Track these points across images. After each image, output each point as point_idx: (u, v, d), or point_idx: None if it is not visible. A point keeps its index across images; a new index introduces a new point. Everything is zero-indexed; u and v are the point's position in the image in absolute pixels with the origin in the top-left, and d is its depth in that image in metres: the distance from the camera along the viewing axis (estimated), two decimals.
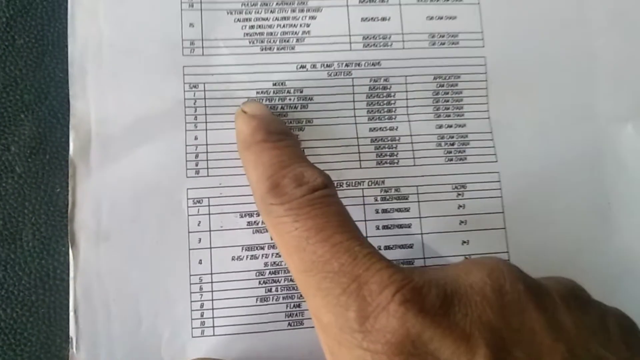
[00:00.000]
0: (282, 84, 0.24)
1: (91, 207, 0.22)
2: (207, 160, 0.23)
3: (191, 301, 0.22)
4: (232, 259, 0.22)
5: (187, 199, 0.22)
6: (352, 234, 0.17)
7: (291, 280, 0.22)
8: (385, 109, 0.24)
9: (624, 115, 0.25)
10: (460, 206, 0.24)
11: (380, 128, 0.24)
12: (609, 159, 0.25)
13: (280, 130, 0.21)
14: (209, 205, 0.23)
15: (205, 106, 0.23)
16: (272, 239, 0.22)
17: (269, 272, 0.22)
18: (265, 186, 0.19)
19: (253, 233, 0.23)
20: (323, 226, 0.17)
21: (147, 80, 0.23)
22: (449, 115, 0.24)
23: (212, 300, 0.22)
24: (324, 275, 0.16)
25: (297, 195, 0.18)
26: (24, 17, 0.24)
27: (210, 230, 0.22)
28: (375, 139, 0.24)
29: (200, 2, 0.24)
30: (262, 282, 0.22)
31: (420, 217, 0.23)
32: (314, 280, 0.16)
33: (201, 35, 0.24)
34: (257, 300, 0.22)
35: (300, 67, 0.24)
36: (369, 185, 0.23)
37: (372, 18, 0.24)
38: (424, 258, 0.23)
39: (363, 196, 0.23)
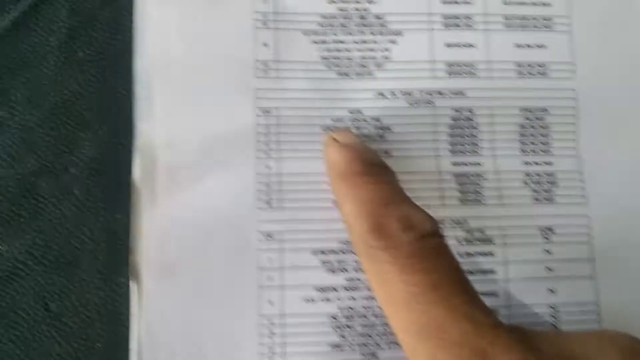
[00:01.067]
0: (358, 112, 0.22)
1: (156, 239, 0.21)
2: (279, 191, 0.21)
3: (259, 344, 0.20)
4: (304, 301, 0.21)
5: (258, 233, 0.21)
6: (470, 296, 0.16)
7: (367, 326, 0.21)
8: (469, 142, 0.23)
9: None
10: (547, 251, 0.22)
11: (463, 163, 0.22)
12: None
13: (379, 162, 0.20)
14: (280, 240, 0.21)
15: (278, 133, 0.22)
16: (370, 288, 0.20)
17: (344, 317, 0.21)
18: (366, 225, 0.17)
19: (327, 272, 0.21)
20: (437, 283, 0.16)
21: (217, 102, 0.22)
22: (536, 152, 0.23)
23: (282, 344, 0.20)
24: (438, 343, 0.15)
25: (405, 241, 0.17)
26: (86, 28, 0.23)
27: (281, 268, 0.21)
28: (459, 175, 0.22)
29: (275, 21, 0.22)
30: (335, 328, 0.21)
31: (505, 262, 0.22)
32: (426, 347, 0.15)
33: (275, 57, 0.22)
34: (330, 347, 0.21)
35: (378, 95, 0.22)
36: (451, 225, 0.22)
37: (456, 44, 0.23)
38: (509, 306, 0.22)
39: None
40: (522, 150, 0.23)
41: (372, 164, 0.19)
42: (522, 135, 0.23)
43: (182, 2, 0.22)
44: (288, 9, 0.23)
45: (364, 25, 0.23)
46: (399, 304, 0.16)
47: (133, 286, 0.21)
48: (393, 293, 0.16)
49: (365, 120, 0.22)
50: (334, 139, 0.20)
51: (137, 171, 0.21)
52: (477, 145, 0.23)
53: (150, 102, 0.22)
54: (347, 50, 0.23)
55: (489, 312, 0.15)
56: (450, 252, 0.17)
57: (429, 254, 0.17)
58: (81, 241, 0.22)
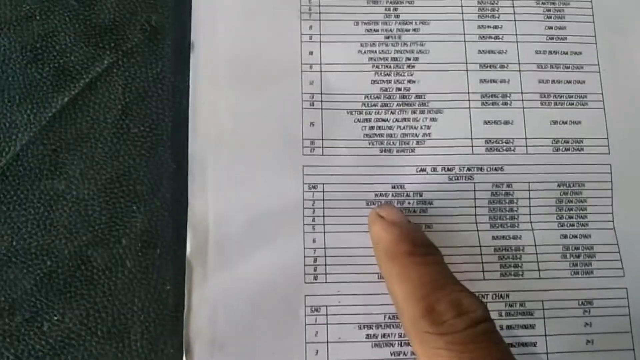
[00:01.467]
0: (401, 186, 0.23)
1: (207, 313, 0.22)
2: (325, 265, 0.22)
3: None
4: None
5: (305, 306, 0.22)
6: None
7: None
8: (508, 216, 0.23)
9: None
10: (587, 324, 0.23)
11: (503, 236, 0.23)
12: None
13: (427, 243, 0.20)
14: (326, 315, 0.22)
15: (324, 207, 0.23)
16: None
17: None
18: (418, 309, 0.18)
19: (372, 347, 0.22)
20: None
21: (266, 178, 0.23)
22: (573, 225, 0.24)
23: None
24: None
25: (459, 327, 0.17)
26: (140, 105, 0.25)
27: (327, 342, 0.22)
28: (499, 249, 0.23)
29: (322, 102, 0.24)
30: None
31: (545, 335, 0.22)
32: None
33: (321, 135, 0.23)
34: None
35: (420, 170, 0.23)
36: (492, 299, 0.22)
37: (494, 121, 0.24)
38: None
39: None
40: (560, 224, 0.24)
41: (420, 244, 0.20)
42: (559, 209, 0.24)
43: (234, 82, 0.24)
44: (333, 89, 0.24)
45: (406, 105, 0.24)
46: None
47: (185, 358, 0.21)
48: None
49: (407, 195, 0.23)
50: (380, 215, 0.21)
51: (190, 246, 0.22)
52: (515, 219, 0.23)
53: (203, 179, 0.23)
54: (389, 127, 0.24)
55: None
56: (501, 337, 0.18)
57: (483, 340, 0.17)
58: (132, 312, 0.22)
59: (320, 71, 0.24)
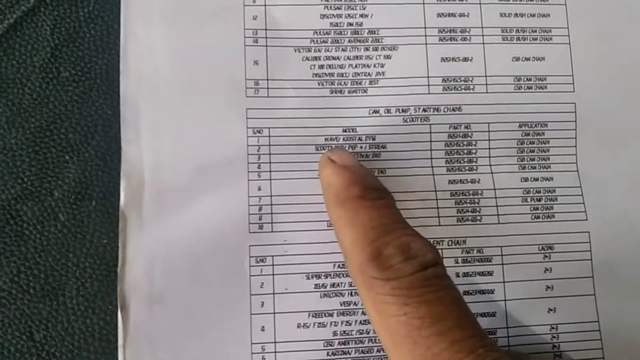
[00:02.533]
0: (353, 130, 0.22)
1: (144, 265, 0.20)
2: (271, 214, 0.21)
3: None
4: (298, 326, 0.21)
5: (250, 257, 0.21)
6: (474, 330, 0.15)
7: (362, 352, 0.21)
8: (466, 159, 0.22)
9: None
10: (547, 269, 0.22)
11: (460, 180, 0.22)
12: None
13: (378, 186, 0.19)
14: (272, 265, 0.21)
15: (270, 153, 0.21)
16: (367, 316, 0.20)
17: (338, 342, 0.21)
18: (365, 254, 0.17)
19: (321, 297, 0.21)
20: (440, 316, 0.15)
21: (207, 123, 0.21)
22: (535, 167, 0.23)
23: None
24: None
25: (406, 272, 0.16)
26: (70, 47, 0.23)
27: (274, 293, 0.21)
28: (456, 193, 0.22)
29: (266, 38, 0.22)
30: (330, 354, 0.21)
31: (504, 282, 0.22)
32: None
33: (266, 75, 0.22)
34: None
35: (373, 112, 0.22)
36: (448, 245, 0.22)
37: (452, 58, 0.23)
38: (507, 327, 0.21)
39: (442, 258, 0.21)
40: (521, 167, 0.22)
41: (371, 188, 0.19)
42: (521, 151, 0.23)
43: (169, 19, 0.22)
44: (279, 25, 0.22)
45: (358, 41, 0.22)
46: (400, 336, 0.16)
47: (120, 315, 0.20)
48: (393, 325, 0.16)
49: (360, 139, 0.22)
50: (331, 160, 0.20)
51: (124, 196, 0.21)
52: (474, 162, 0.22)
53: (137, 125, 0.21)
54: (341, 66, 0.22)
55: (492, 347, 0.15)
56: (451, 282, 0.17)
57: (432, 285, 0.16)
58: (67, 268, 0.21)
59: (265, 5, 0.22)
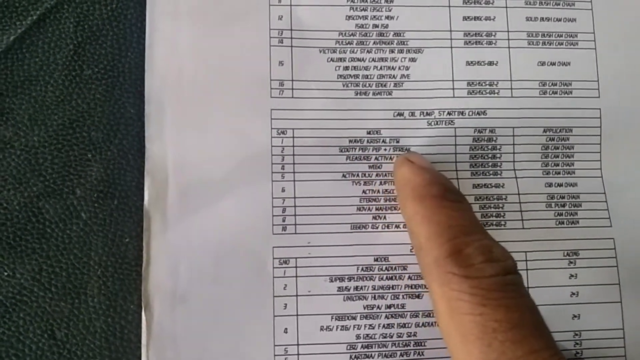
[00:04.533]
0: (377, 132, 0.22)
1: (167, 265, 0.21)
2: (294, 215, 0.21)
3: None
4: (321, 329, 0.21)
5: (273, 259, 0.21)
6: (549, 341, 0.16)
7: (386, 356, 0.21)
8: (490, 164, 0.22)
9: None
10: (572, 276, 0.22)
11: (484, 185, 0.22)
12: None
13: (457, 191, 0.20)
14: (296, 267, 0.21)
15: (294, 154, 0.22)
16: (432, 312, 0.18)
17: (361, 346, 0.21)
18: (444, 249, 0.17)
19: (344, 300, 0.21)
20: (517, 322, 0.16)
21: (231, 123, 0.22)
22: (559, 173, 0.23)
23: None
24: None
25: (488, 273, 0.16)
26: (94, 44, 0.23)
27: (297, 295, 0.21)
28: (480, 197, 0.22)
29: (291, 39, 0.22)
30: (353, 357, 0.21)
31: (528, 287, 0.21)
32: None
33: (291, 75, 0.22)
34: None
35: (397, 115, 0.22)
36: None
37: (478, 62, 0.23)
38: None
39: None
40: (545, 172, 0.23)
41: (451, 190, 0.19)
42: (545, 156, 0.23)
43: (195, 17, 0.22)
44: (304, 25, 0.22)
45: (383, 43, 0.23)
46: (472, 336, 0.16)
47: (143, 314, 0.20)
48: (466, 324, 0.16)
49: (384, 141, 0.22)
50: (409, 160, 0.20)
51: (147, 195, 0.21)
52: (498, 166, 0.22)
53: (161, 123, 0.21)
54: (365, 68, 0.22)
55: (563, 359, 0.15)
56: (528, 292, 0.17)
57: (511, 290, 0.16)
58: (88, 267, 0.21)
59: (290, 5, 0.22)
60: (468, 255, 0.17)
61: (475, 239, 0.17)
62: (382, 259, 0.21)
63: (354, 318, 0.21)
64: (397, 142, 0.22)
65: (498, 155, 0.22)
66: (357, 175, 0.22)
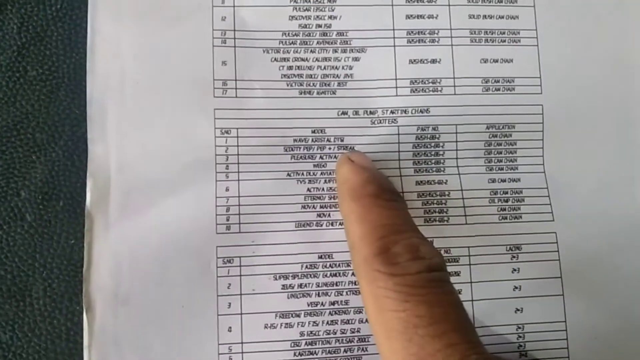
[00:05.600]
0: (321, 131, 0.22)
1: (109, 266, 0.20)
2: (239, 214, 0.21)
3: None
4: (265, 327, 0.21)
5: (217, 258, 0.21)
6: (469, 336, 0.16)
7: (329, 352, 0.21)
8: (434, 161, 0.23)
9: None
10: (515, 270, 0.22)
11: (428, 181, 0.22)
12: None
13: (393, 189, 0.20)
14: (240, 266, 0.21)
15: (238, 154, 0.21)
16: (364, 308, 0.18)
17: (305, 343, 0.21)
18: (373, 248, 0.17)
19: (288, 298, 0.21)
20: (438, 317, 0.16)
21: (174, 123, 0.21)
22: (502, 169, 0.23)
23: None
24: None
25: (412, 270, 0.17)
26: (37, 45, 0.23)
27: (241, 294, 0.21)
28: (423, 194, 0.22)
29: (234, 39, 0.22)
30: (297, 354, 0.21)
31: (471, 282, 0.22)
32: None
33: (234, 75, 0.22)
34: None
35: (341, 114, 0.22)
36: None
37: (421, 60, 0.23)
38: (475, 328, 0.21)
39: None
40: (488, 168, 0.23)
41: (386, 189, 0.19)
42: (488, 152, 0.23)
43: (138, 19, 0.22)
44: (248, 26, 0.22)
45: (326, 43, 0.23)
46: (396, 332, 0.16)
47: (85, 316, 0.20)
48: (390, 320, 0.16)
49: (328, 140, 0.22)
50: (349, 159, 0.20)
51: (90, 196, 0.21)
52: (441, 163, 0.23)
53: (103, 124, 0.21)
54: (309, 68, 0.22)
55: (486, 355, 0.16)
56: (454, 289, 0.18)
57: (435, 287, 0.17)
58: (33, 269, 0.21)
59: (234, 6, 0.22)
60: (395, 254, 0.17)
61: (404, 237, 0.18)
62: (326, 256, 0.21)
63: (298, 315, 0.21)
64: (342, 140, 0.22)
65: (441, 152, 0.23)
66: (302, 174, 0.22)
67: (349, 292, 0.21)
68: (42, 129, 0.22)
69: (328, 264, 0.21)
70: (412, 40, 0.23)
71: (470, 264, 0.22)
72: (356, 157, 0.21)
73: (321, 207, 0.22)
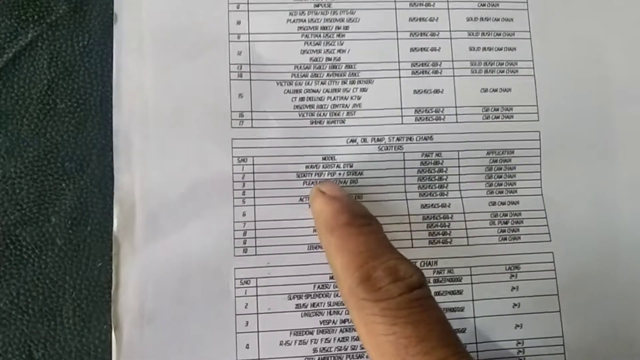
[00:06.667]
0: (331, 158, 0.23)
1: (135, 287, 0.22)
2: (255, 238, 0.22)
3: None
4: (280, 344, 0.22)
5: (235, 279, 0.22)
6: (456, 348, 0.17)
7: None
8: (437, 185, 0.23)
9: None
10: (514, 288, 0.23)
11: (432, 205, 0.23)
12: None
13: (365, 213, 0.21)
14: (256, 287, 0.22)
15: (254, 180, 0.23)
16: (357, 333, 0.19)
17: (318, 359, 0.22)
18: (355, 277, 0.18)
19: (302, 316, 0.22)
20: (425, 335, 0.17)
21: (194, 152, 0.23)
22: (502, 192, 0.24)
23: None
24: None
25: (394, 293, 0.17)
26: (66, 80, 0.24)
27: (257, 313, 0.22)
28: (428, 217, 0.23)
29: (250, 72, 0.23)
30: None
31: (473, 300, 0.23)
32: None
33: (250, 107, 0.23)
34: None
35: (350, 141, 0.23)
36: (421, 266, 0.23)
37: (424, 90, 0.24)
38: (476, 343, 0.23)
39: None
40: (489, 191, 0.24)
41: (358, 215, 0.20)
42: (489, 177, 0.24)
43: (159, 54, 0.23)
44: (262, 60, 0.23)
45: (336, 75, 0.24)
46: (388, 354, 0.17)
47: (113, 334, 0.21)
48: (382, 344, 0.17)
49: (338, 166, 0.23)
50: (321, 191, 0.21)
51: (116, 222, 0.22)
52: (444, 187, 0.24)
53: (129, 154, 0.22)
54: (320, 99, 0.23)
55: None
56: (436, 303, 0.18)
57: (417, 306, 0.17)
58: (64, 290, 0.22)
59: (249, 41, 0.23)
60: (376, 279, 0.18)
61: (382, 261, 0.18)
62: None
63: (311, 333, 0.22)
64: (351, 166, 0.23)
65: (444, 177, 0.24)
66: None
67: None
68: (71, 159, 0.23)
69: None
70: (416, 71, 0.24)
71: (472, 283, 0.23)
72: (326, 187, 0.21)
73: None
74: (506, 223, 0.24)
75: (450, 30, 0.24)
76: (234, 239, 0.22)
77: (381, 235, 0.20)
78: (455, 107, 0.24)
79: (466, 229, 0.23)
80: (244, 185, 0.23)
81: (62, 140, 0.23)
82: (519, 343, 0.23)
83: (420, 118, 0.24)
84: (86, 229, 0.23)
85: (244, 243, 0.22)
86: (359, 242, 0.19)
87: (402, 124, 0.24)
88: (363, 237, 0.19)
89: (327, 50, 0.24)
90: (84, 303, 0.22)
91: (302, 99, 0.23)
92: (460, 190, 0.24)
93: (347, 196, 0.21)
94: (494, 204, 0.24)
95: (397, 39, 0.24)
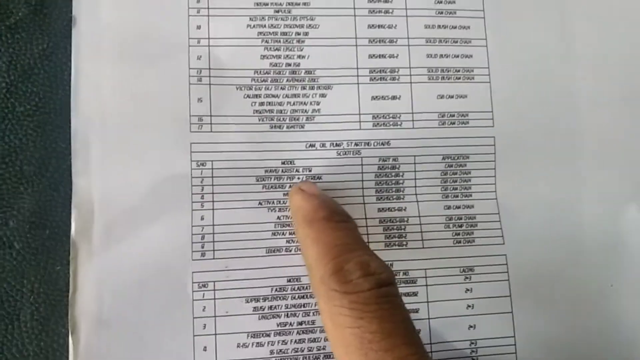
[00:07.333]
0: (291, 162, 0.23)
1: (93, 291, 0.21)
2: (213, 242, 0.22)
3: None
4: (237, 346, 0.22)
5: (192, 282, 0.22)
6: (418, 348, 0.17)
7: None
8: (394, 189, 0.24)
9: (628, 195, 0.25)
10: (468, 290, 0.24)
11: (389, 208, 0.24)
12: (612, 240, 0.25)
13: (343, 212, 0.21)
14: (214, 290, 0.22)
15: (213, 184, 0.23)
16: (323, 326, 0.19)
17: None
18: (328, 268, 0.18)
19: (259, 319, 0.22)
20: (390, 332, 0.17)
21: (152, 156, 0.22)
22: (457, 196, 0.24)
23: None
24: None
25: (364, 287, 0.17)
26: (25, 83, 0.24)
27: (215, 316, 0.22)
28: (384, 220, 0.23)
29: (209, 77, 0.23)
30: None
31: (427, 302, 0.23)
32: None
33: (210, 111, 0.23)
34: None
35: (309, 146, 0.23)
36: None
37: (382, 96, 0.24)
38: (431, 344, 0.23)
39: None
40: (444, 195, 0.24)
41: (337, 212, 0.21)
42: (444, 181, 0.24)
43: (117, 57, 0.23)
44: (222, 64, 0.23)
45: (295, 80, 0.24)
46: (352, 347, 0.17)
47: (70, 338, 0.21)
48: (347, 336, 0.17)
49: (297, 170, 0.23)
50: (301, 189, 0.22)
51: (74, 226, 0.22)
52: (401, 191, 0.24)
53: (87, 158, 0.22)
54: (279, 104, 0.24)
55: None
56: (402, 303, 0.19)
57: (385, 302, 0.18)
58: (22, 294, 0.22)
59: (209, 45, 0.23)
60: (347, 272, 0.18)
61: (355, 256, 0.19)
62: (295, 280, 0.23)
63: (268, 335, 0.22)
64: (310, 170, 0.23)
65: (401, 182, 0.24)
66: (272, 202, 0.23)
67: (315, 313, 0.22)
68: (29, 162, 0.23)
69: (296, 286, 0.22)
70: (374, 78, 0.24)
71: (427, 285, 0.23)
72: (306, 186, 0.22)
73: (290, 233, 0.23)
74: (461, 226, 0.24)
75: (408, 38, 0.25)
76: (192, 242, 0.22)
77: (356, 233, 0.21)
78: (412, 113, 0.24)
79: (421, 232, 0.24)
80: (202, 189, 0.23)
81: (20, 144, 0.23)
82: (473, 343, 0.23)
83: (378, 124, 0.24)
84: (44, 232, 0.23)
85: (202, 247, 0.22)
86: (335, 235, 0.19)
87: (360, 129, 0.24)
88: (339, 232, 0.20)
89: (287, 55, 0.24)
90: (42, 307, 0.22)
91: (261, 103, 0.23)
92: (416, 194, 0.24)
93: (326, 195, 0.22)
94: (449, 207, 0.24)
95: (356, 45, 0.24)
